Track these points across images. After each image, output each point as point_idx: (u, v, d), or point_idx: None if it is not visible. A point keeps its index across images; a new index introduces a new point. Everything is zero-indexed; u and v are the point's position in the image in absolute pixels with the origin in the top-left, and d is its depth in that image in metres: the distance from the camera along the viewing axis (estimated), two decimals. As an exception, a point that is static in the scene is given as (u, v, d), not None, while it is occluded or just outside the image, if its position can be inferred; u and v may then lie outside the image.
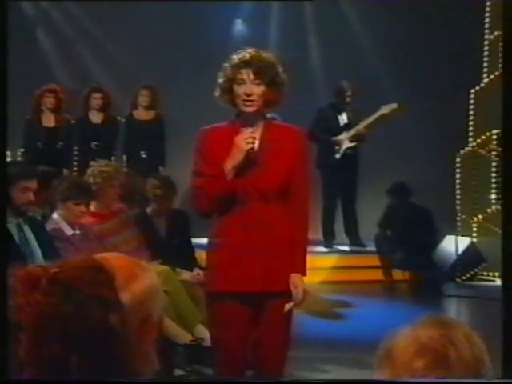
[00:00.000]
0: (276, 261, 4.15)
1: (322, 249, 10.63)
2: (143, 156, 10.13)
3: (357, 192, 10.76)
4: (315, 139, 9.76)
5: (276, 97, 4.19)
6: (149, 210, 7.00)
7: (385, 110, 10.30)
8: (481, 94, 11.01)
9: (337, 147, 10.49)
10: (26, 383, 1.45)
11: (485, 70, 11.06)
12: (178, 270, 6.49)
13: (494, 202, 10.87)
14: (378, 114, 10.35)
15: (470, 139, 11.07)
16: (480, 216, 10.85)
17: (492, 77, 10.94)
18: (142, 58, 11.32)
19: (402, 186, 10.25)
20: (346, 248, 10.82)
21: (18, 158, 10.19)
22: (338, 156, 10.50)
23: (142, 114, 10.29)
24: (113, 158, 9.78)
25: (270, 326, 4.19)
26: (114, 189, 6.63)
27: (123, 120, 10.43)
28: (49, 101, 9.90)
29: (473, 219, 10.88)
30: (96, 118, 10.16)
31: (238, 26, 12.01)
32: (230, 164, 4.09)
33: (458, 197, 11.08)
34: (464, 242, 10.64)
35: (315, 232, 9.53)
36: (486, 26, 11.01)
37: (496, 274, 10.54)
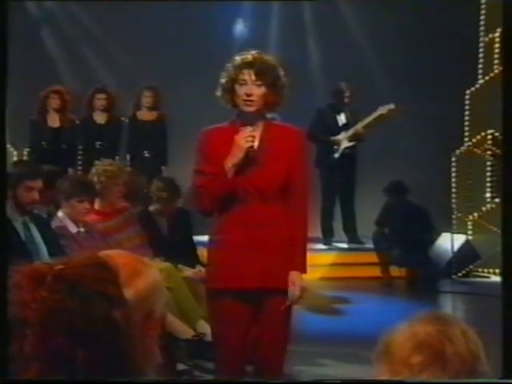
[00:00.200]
0: (276, 258, 4.15)
1: (321, 246, 10.63)
2: (146, 155, 10.14)
3: (355, 190, 10.76)
4: (314, 139, 9.76)
5: (276, 99, 4.19)
6: (152, 208, 7.00)
7: (382, 110, 10.31)
8: (476, 94, 11.00)
9: (335, 147, 10.50)
10: (26, 383, 1.45)
11: (480, 71, 11.05)
12: (180, 266, 6.50)
13: (488, 200, 10.86)
14: (375, 114, 10.35)
15: (466, 139, 11.07)
16: (475, 214, 10.85)
17: (487, 78, 10.93)
18: (144, 60, 11.30)
19: (399, 184, 10.25)
20: (345, 245, 10.82)
21: (24, 158, 10.21)
22: (336, 155, 10.50)
23: (144, 115, 10.29)
24: (116, 157, 9.78)
25: (269, 323, 4.18)
26: (118, 187, 6.63)
27: (127, 120, 10.43)
28: (54, 102, 9.90)
29: (468, 217, 10.88)
30: (100, 118, 10.17)
31: (240, 26, 11.98)
32: (231, 162, 4.09)
33: (453, 195, 11.08)
34: (459, 240, 10.64)
35: (314, 229, 9.52)
36: (482, 28, 11.00)
37: (491, 270, 10.55)
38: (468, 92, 11.02)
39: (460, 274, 10.48)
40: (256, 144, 4.14)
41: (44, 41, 11.71)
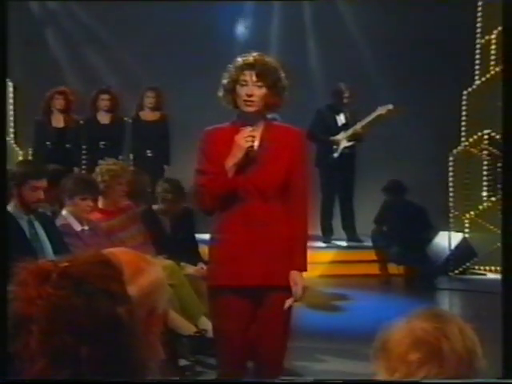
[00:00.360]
0: (275, 256, 4.14)
1: (321, 244, 10.63)
2: (149, 155, 10.14)
3: (354, 189, 10.76)
4: (314, 139, 9.76)
5: (276, 100, 4.19)
6: (156, 208, 7.00)
7: (381, 110, 10.31)
8: (473, 95, 11.01)
9: (335, 146, 10.50)
10: (26, 383, 1.45)
11: (476, 72, 11.06)
12: (182, 264, 6.50)
13: (485, 199, 10.86)
14: (374, 114, 10.35)
15: (463, 139, 11.07)
16: (472, 213, 10.85)
17: (483, 79, 10.94)
18: (147, 61, 11.30)
19: (397, 183, 10.26)
20: (344, 243, 10.82)
21: (29, 158, 10.21)
22: (336, 155, 10.50)
23: (147, 115, 10.29)
24: (120, 156, 9.77)
25: (269, 319, 4.18)
26: (121, 186, 6.64)
27: (130, 120, 10.43)
28: (58, 102, 9.92)
29: (465, 216, 10.88)
30: (104, 118, 10.17)
31: (241, 27, 11.96)
32: (231, 162, 4.09)
33: (450, 194, 11.07)
34: (456, 238, 10.64)
35: (314, 228, 9.52)
36: (478, 30, 11.00)
37: (487, 267, 10.55)
38: (465, 93, 11.03)
39: (457, 272, 10.48)
40: (256, 144, 4.14)
41: (49, 43, 11.71)
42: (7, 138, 10.92)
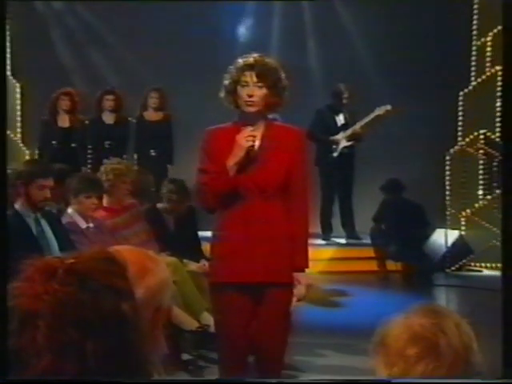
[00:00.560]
0: (276, 254, 4.14)
1: (321, 241, 10.63)
2: (153, 154, 10.14)
3: (353, 188, 10.76)
4: (314, 139, 9.76)
5: (277, 100, 4.19)
6: (160, 206, 7.00)
7: (379, 111, 10.30)
8: (469, 96, 11.00)
9: (334, 146, 10.50)
10: (26, 383, 1.45)
11: (473, 73, 11.06)
12: (185, 261, 6.50)
13: (481, 197, 10.86)
14: (373, 114, 10.35)
15: (459, 139, 11.07)
16: (468, 210, 10.85)
17: (479, 80, 10.94)
18: (151, 62, 11.30)
19: (395, 182, 10.26)
20: (343, 240, 10.81)
21: (36, 157, 10.21)
22: (335, 154, 10.50)
23: (151, 115, 10.29)
24: (124, 156, 9.77)
25: (270, 315, 4.18)
26: (126, 185, 6.64)
27: (134, 120, 10.43)
28: (64, 103, 9.92)
29: (461, 213, 10.87)
30: (108, 118, 10.17)
31: (242, 28, 11.95)
32: (232, 161, 4.09)
33: (447, 192, 11.07)
34: (453, 235, 10.64)
35: (314, 225, 9.51)
36: (474, 32, 11.00)
37: (483, 264, 10.55)
38: (461, 93, 11.02)
39: (453, 268, 10.48)
40: (257, 143, 4.14)
41: (55, 45, 11.70)
42: (15, 138, 10.93)
